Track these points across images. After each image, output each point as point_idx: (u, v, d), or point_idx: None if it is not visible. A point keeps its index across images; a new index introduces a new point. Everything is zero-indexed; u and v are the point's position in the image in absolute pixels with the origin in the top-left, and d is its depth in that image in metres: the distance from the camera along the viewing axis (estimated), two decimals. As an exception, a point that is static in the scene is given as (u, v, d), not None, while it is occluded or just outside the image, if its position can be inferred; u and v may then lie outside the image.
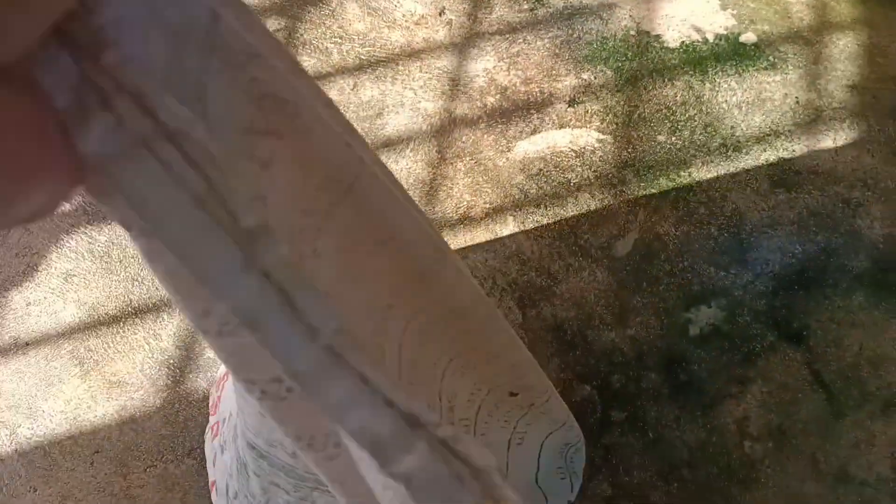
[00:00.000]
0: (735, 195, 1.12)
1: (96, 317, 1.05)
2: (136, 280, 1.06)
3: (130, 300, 1.05)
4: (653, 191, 1.13)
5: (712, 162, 1.14)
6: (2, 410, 1.01)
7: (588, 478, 1.00)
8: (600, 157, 1.14)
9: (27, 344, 1.03)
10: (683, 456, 1.01)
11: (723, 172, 1.14)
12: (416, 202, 1.10)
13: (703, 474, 1.01)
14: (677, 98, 1.18)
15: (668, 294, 1.08)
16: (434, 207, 1.11)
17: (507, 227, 1.10)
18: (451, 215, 1.11)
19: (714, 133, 1.16)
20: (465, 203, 1.12)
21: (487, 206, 1.11)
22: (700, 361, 1.05)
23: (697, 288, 1.08)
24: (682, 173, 1.14)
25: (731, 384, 1.04)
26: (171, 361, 1.02)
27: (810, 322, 1.07)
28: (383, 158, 1.09)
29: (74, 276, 1.06)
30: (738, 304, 1.08)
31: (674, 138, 1.16)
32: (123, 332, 1.04)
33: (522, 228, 1.10)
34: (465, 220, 1.11)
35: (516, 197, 1.12)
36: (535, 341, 1.06)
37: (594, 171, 1.13)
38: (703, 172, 1.14)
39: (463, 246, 1.09)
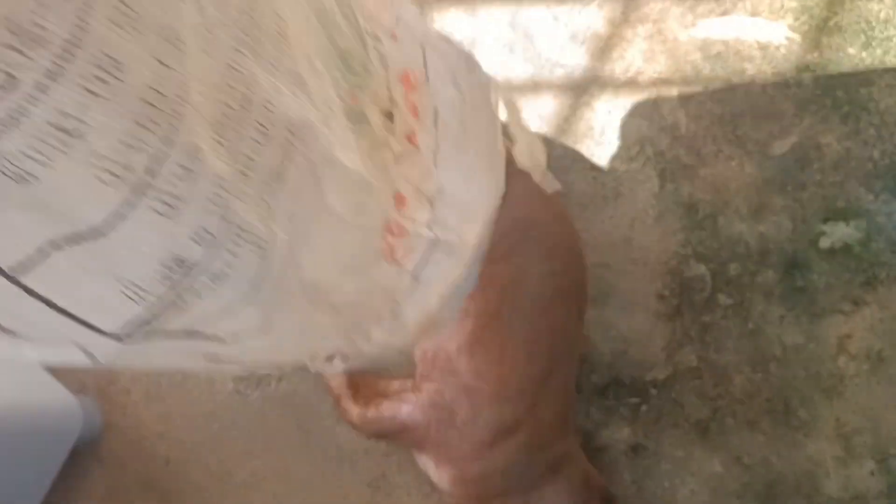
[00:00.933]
0: (911, 125, 1.09)
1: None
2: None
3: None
4: (827, 100, 1.11)
5: (898, 87, 1.11)
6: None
7: (679, 345, 1.07)
8: (783, 54, 1.12)
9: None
10: (776, 352, 1.06)
11: (905, 100, 1.10)
12: (586, 56, 1.11)
13: (790, 374, 1.05)
14: (881, 15, 1.13)
15: (810, 202, 1.09)
16: (603, 65, 1.14)
17: (671, 100, 1.13)
18: (618, 75, 1.14)
19: (909, 59, 1.12)
20: (635, 68, 1.14)
21: (656, 75, 1.13)
22: (821, 273, 1.07)
23: (841, 204, 1.09)
24: (863, 90, 1.11)
25: (845, 302, 1.07)
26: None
27: (946, 267, 1.06)
28: (569, 6, 1.09)
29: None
30: (877, 229, 1.08)
31: (864, 54, 1.12)
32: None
33: (685, 105, 1.12)
34: (631, 84, 1.14)
35: (688, 74, 1.13)
36: (665, 213, 1.10)
37: (773, 66, 1.12)
38: (884, 95, 1.11)
39: (621, 108, 1.13)
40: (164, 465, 1.08)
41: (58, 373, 1.08)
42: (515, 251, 0.86)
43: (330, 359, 0.62)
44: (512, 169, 0.92)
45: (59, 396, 1.02)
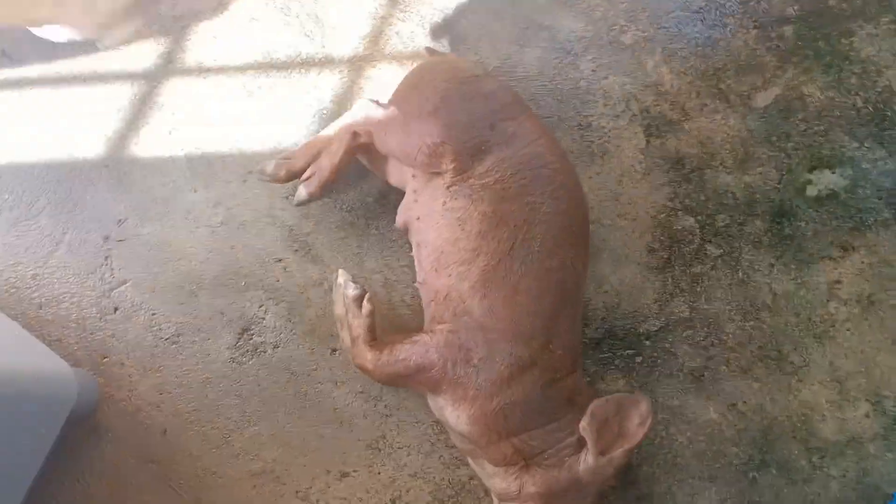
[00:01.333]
0: (892, 73, 1.11)
1: (269, 60, 1.17)
2: (308, 36, 1.17)
3: (300, 52, 1.17)
4: (808, 51, 1.12)
5: (878, 36, 1.12)
6: (179, 123, 1.15)
7: (671, 296, 1.07)
8: (765, 8, 1.14)
9: (208, 70, 1.17)
10: (767, 300, 1.07)
11: (885, 48, 1.12)
12: (570, 16, 1.09)
13: (782, 321, 1.06)
14: (859, -33, 1.15)
15: (795, 152, 1.10)
16: (587, 25, 1.15)
17: (654, 57, 1.14)
18: (602, 35, 1.15)
19: (888, 8, 1.13)
20: (619, 27, 1.15)
21: (640, 33, 1.14)
22: (809, 220, 1.08)
23: (826, 153, 1.10)
24: (844, 41, 1.12)
25: (834, 248, 1.08)
26: (324, 112, 1.14)
27: (932, 210, 1.07)
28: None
29: (258, 21, 1.18)
30: (863, 176, 1.09)
31: (844, 5, 1.14)
32: (290, 77, 1.16)
33: (668, 62, 1.13)
34: (615, 44, 1.15)
35: (671, 30, 1.14)
36: (652, 168, 1.11)
37: (755, 20, 1.13)
38: (865, 44, 1.12)
39: (605, 66, 1.14)
40: (162, 435, 1.08)
41: (52, 346, 1.08)
42: (528, 189, 0.86)
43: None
44: (520, 107, 0.93)
45: (54, 366, 1.02)
